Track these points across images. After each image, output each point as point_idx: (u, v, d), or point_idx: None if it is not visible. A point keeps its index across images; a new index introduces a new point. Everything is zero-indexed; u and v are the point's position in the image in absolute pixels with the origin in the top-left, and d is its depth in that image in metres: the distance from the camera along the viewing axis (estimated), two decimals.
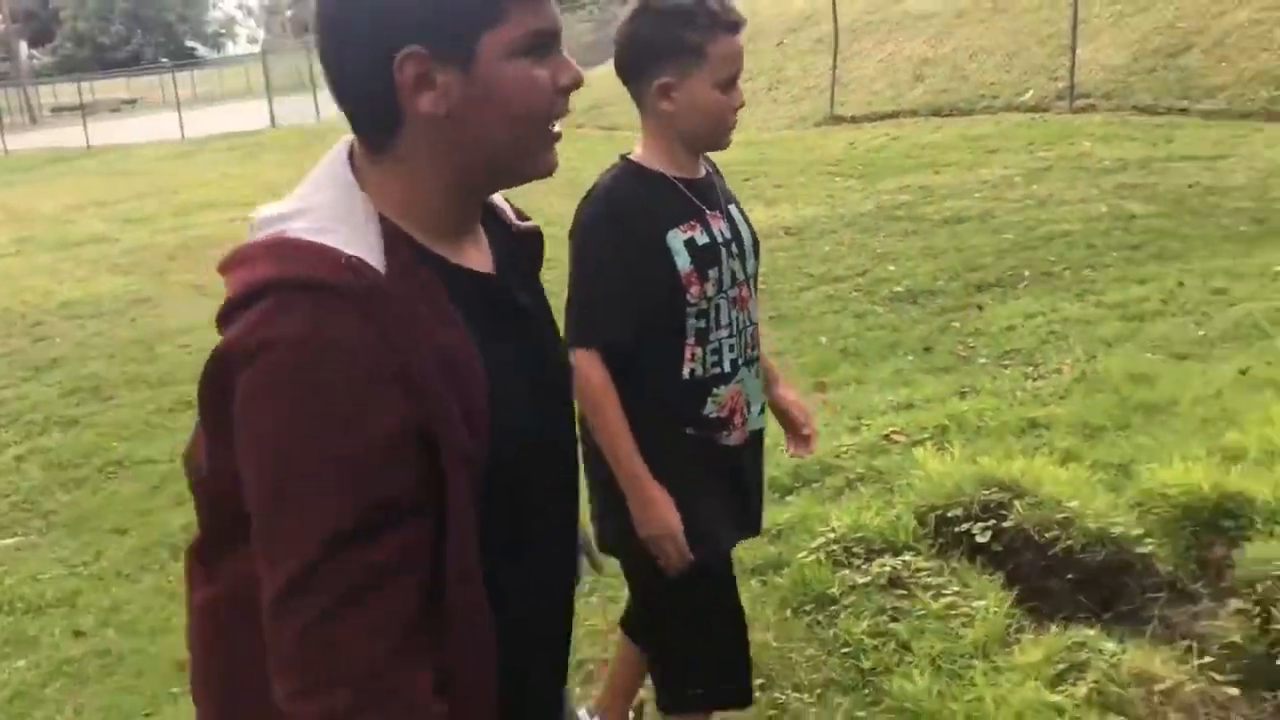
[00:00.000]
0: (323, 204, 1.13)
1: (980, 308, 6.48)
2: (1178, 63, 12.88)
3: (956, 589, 3.12)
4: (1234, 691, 2.62)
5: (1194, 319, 5.61)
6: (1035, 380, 5.05)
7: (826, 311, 6.85)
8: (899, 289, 7.10)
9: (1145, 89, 12.67)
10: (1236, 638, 2.83)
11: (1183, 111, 11.91)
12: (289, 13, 78.29)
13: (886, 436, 4.46)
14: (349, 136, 1.19)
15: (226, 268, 1.14)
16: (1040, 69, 14.25)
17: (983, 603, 2.99)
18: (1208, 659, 2.73)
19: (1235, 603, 2.95)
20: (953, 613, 2.99)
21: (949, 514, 3.44)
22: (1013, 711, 2.49)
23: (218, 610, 1.20)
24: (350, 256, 1.07)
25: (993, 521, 3.36)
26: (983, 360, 5.54)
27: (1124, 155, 10.20)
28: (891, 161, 11.91)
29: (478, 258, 1.22)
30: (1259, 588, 2.91)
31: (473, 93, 1.10)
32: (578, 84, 1.16)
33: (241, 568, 1.11)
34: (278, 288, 1.06)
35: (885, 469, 4.11)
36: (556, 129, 1.18)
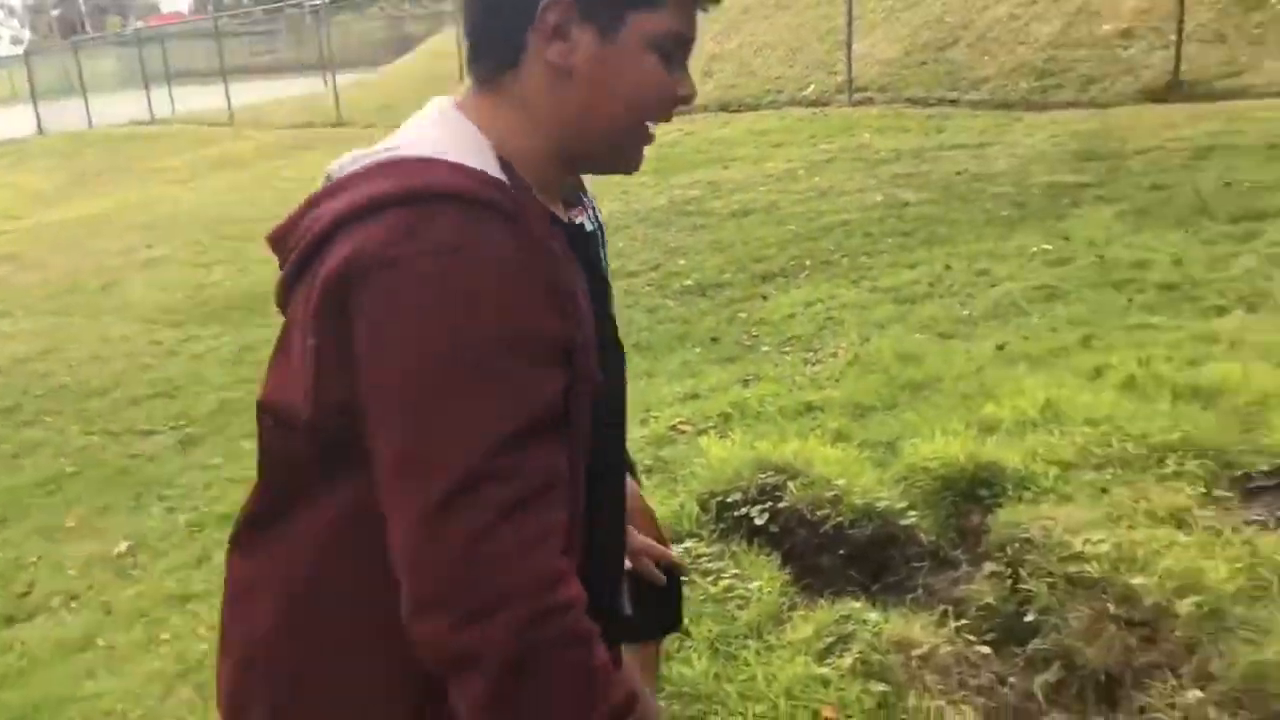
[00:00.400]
0: (438, 136, 1.11)
1: (765, 297, 6.68)
2: (946, 56, 13.58)
3: (735, 572, 3.21)
4: (986, 650, 2.79)
5: (959, 300, 5.93)
6: (813, 365, 5.24)
7: (621, 307, 6.91)
8: (689, 282, 7.25)
9: (917, 82, 13.31)
10: (990, 599, 3.00)
11: (952, 103, 12.57)
12: (55, 12, 73.62)
13: (674, 427, 4.54)
14: (441, 99, 1.19)
15: (320, 200, 1.12)
16: (820, 64, 14.78)
17: (758, 583, 3.08)
18: (964, 621, 2.90)
19: (989, 566, 3.14)
20: (730, 595, 3.07)
21: (729, 499, 3.53)
22: (782, 687, 2.57)
23: (292, 585, 1.12)
24: (491, 175, 1.06)
25: (769, 504, 3.46)
26: (765, 348, 5.71)
27: (899, 146, 10.69)
28: (684, 157, 12.13)
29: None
30: (1009, 550, 3.10)
31: (601, 61, 1.10)
32: (690, 100, 1.18)
33: (319, 530, 1.10)
34: (414, 199, 1.02)
35: (671, 459, 4.18)
36: (653, 130, 1.17)
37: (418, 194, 1.01)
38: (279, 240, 1.17)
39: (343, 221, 1.04)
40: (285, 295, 1.13)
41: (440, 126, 1.12)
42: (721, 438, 4.17)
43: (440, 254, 0.99)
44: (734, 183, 10.21)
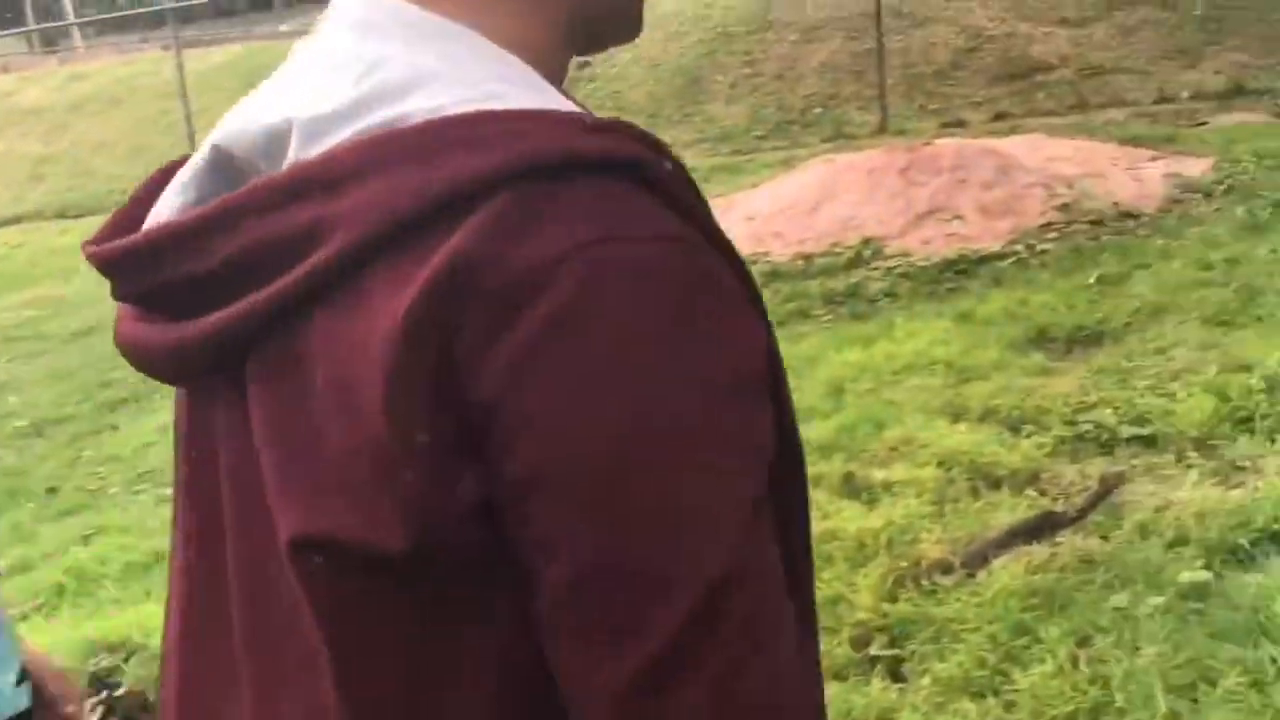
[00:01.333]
0: (453, 65, 0.66)
1: (115, 428, 5.98)
2: None
3: None
4: None
5: None
6: (168, 504, 4.72)
7: None
8: (22, 423, 6.30)
9: None
10: None
11: None
12: None
13: None
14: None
15: (289, 195, 0.62)
16: (162, 159, 13.95)
17: None
18: None
19: None
20: None
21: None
22: None
23: None
24: (593, 117, 0.65)
25: (105, 694, 2.96)
26: (114, 490, 5.08)
27: None
28: (16, 273, 10.75)
29: None
30: None
31: None
32: None
33: None
34: (558, 170, 0.60)
35: None
36: None
37: (576, 160, 0.61)
38: (164, 258, 0.66)
39: (428, 214, 0.60)
40: (246, 350, 0.65)
41: (434, 47, 0.68)
42: (49, 619, 3.55)
43: (650, 251, 0.60)
44: (78, 298, 9.18)
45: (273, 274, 0.62)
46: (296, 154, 0.64)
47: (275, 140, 0.65)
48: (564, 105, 0.68)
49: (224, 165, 0.68)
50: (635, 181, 0.62)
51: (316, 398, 0.62)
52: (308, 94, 0.66)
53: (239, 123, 0.67)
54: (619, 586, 0.60)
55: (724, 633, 0.60)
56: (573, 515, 0.59)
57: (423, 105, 0.63)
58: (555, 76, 0.75)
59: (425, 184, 0.60)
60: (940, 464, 3.72)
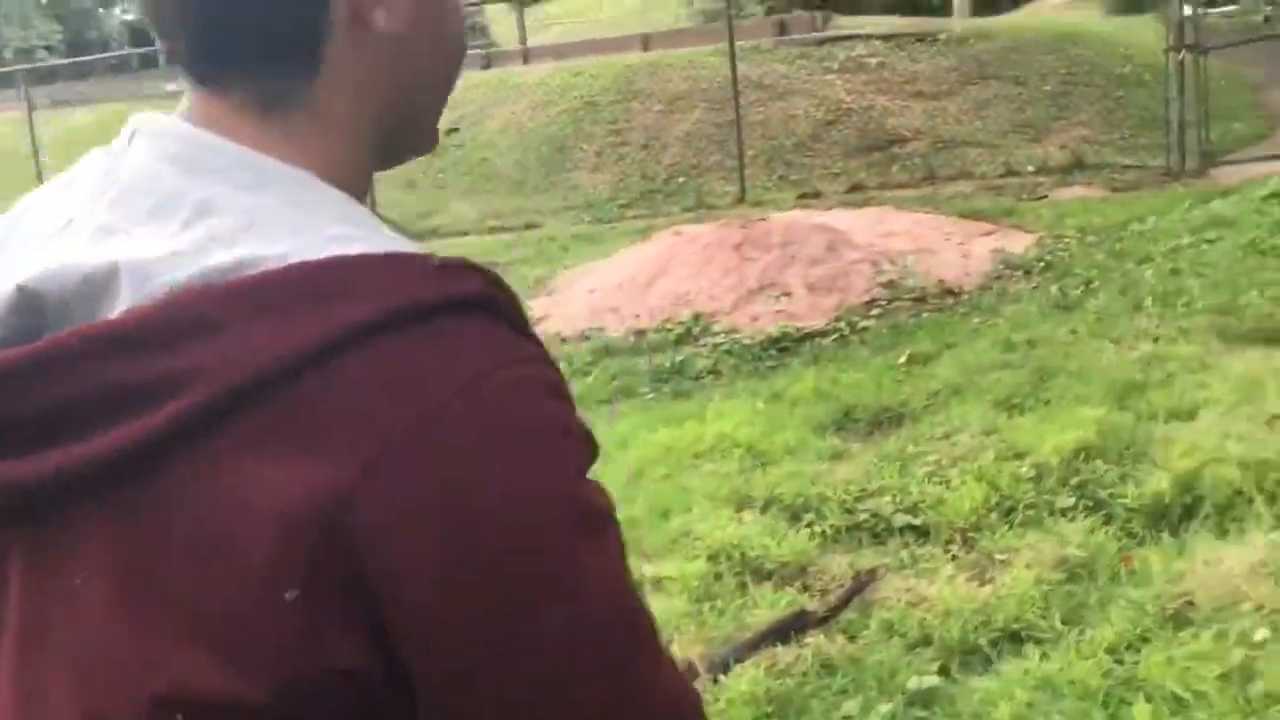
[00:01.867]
0: (294, 209, 0.65)
1: None
2: None
3: None
4: None
5: None
6: None
7: None
8: None
9: None
10: None
11: None
12: None
13: None
14: (145, 127, 0.69)
15: (89, 359, 0.59)
16: None
17: None
18: None
19: None
20: None
21: None
22: None
23: None
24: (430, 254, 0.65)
25: None
26: None
27: None
28: None
29: None
30: None
31: (423, 8, 0.74)
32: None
33: None
34: (418, 314, 0.60)
35: None
36: None
37: (430, 306, 0.62)
38: None
39: (276, 376, 0.59)
40: (66, 500, 0.62)
41: (265, 188, 0.67)
42: None
43: (525, 373, 0.63)
44: None
45: (116, 423, 0.59)
46: (130, 301, 0.61)
47: (98, 285, 0.62)
48: (407, 246, 0.67)
49: (31, 308, 0.63)
50: (488, 315, 0.64)
51: (176, 549, 0.60)
52: (132, 235, 0.64)
53: (47, 262, 0.64)
54: None
55: None
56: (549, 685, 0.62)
57: (265, 252, 0.62)
58: (363, 194, 0.77)
59: (286, 337, 0.59)
60: (711, 558, 3.64)
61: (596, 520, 0.63)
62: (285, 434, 0.58)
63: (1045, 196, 9.57)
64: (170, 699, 0.61)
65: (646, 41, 16.39)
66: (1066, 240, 7.34)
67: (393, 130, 0.78)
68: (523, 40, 22.63)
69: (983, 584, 3.24)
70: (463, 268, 0.65)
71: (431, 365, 0.60)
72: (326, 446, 0.58)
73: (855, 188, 11.09)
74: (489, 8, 24.20)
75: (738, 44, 12.51)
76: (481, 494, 0.59)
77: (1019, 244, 7.40)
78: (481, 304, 0.64)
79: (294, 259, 0.61)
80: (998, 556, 3.37)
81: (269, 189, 0.67)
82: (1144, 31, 14.00)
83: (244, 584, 0.59)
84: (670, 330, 6.67)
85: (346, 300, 0.60)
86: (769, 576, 3.52)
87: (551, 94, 13.89)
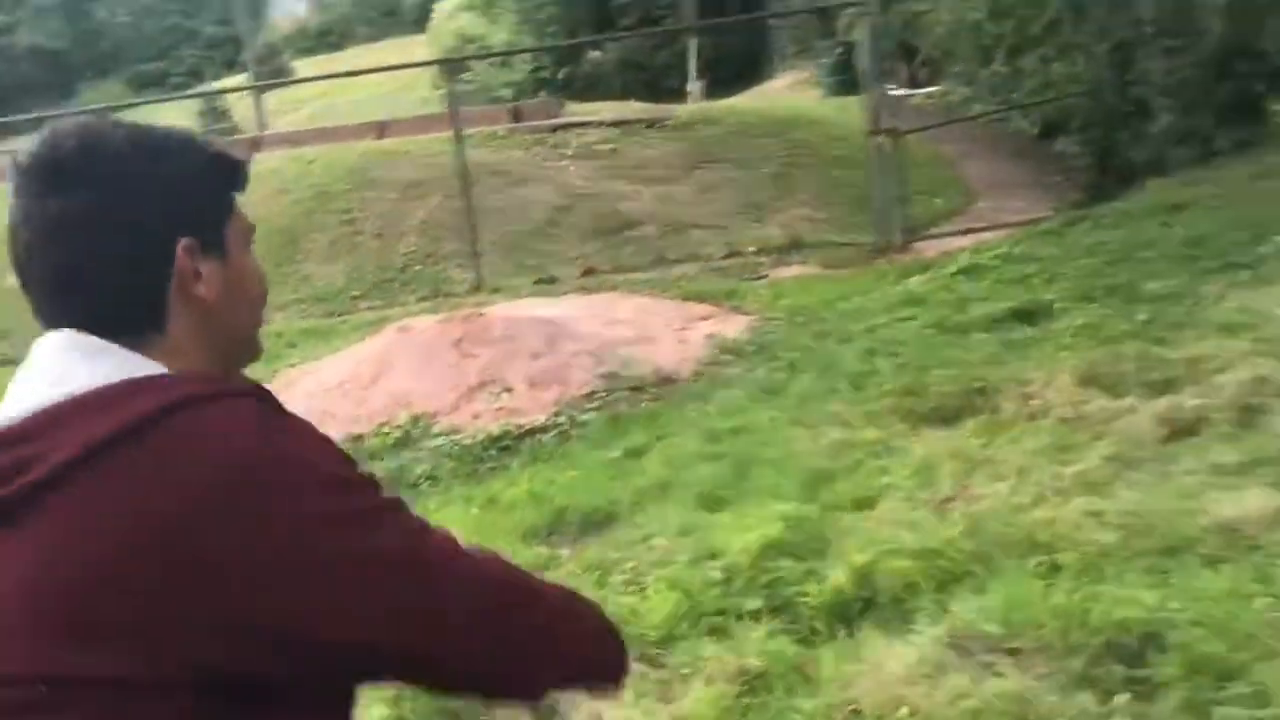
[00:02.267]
0: (113, 366, 1.08)
1: None
2: None
3: None
4: None
5: None
6: None
7: None
8: None
9: None
10: None
11: None
12: None
13: None
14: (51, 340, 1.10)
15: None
16: None
17: None
18: None
19: None
20: None
21: None
22: None
23: None
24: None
25: None
26: None
27: None
28: None
29: None
30: None
31: (228, 279, 1.16)
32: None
33: None
34: (203, 400, 1.03)
35: None
36: None
37: (197, 397, 1.03)
38: None
39: (108, 445, 0.98)
40: None
41: (109, 360, 1.07)
42: None
43: (296, 443, 1.06)
44: None
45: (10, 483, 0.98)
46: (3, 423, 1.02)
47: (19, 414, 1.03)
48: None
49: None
50: (257, 399, 1.06)
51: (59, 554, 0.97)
52: (17, 392, 1.05)
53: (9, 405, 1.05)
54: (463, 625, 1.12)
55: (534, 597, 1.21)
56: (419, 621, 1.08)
57: (87, 383, 1.02)
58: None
59: (110, 421, 0.99)
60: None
61: (357, 481, 1.06)
62: (124, 476, 0.97)
63: (765, 276, 9.94)
64: (53, 677, 0.94)
65: (383, 129, 16.21)
66: (777, 322, 7.60)
67: (224, 350, 1.17)
68: (261, 126, 22.01)
69: (668, 703, 3.20)
70: (230, 378, 1.12)
71: (208, 430, 1.00)
72: (164, 479, 0.97)
73: (589, 271, 11.21)
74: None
75: (474, 130, 12.51)
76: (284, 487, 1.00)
77: (735, 327, 7.61)
78: (251, 394, 1.07)
79: (108, 381, 1.02)
80: (682, 671, 3.35)
81: (110, 360, 1.06)
82: (857, 112, 14.91)
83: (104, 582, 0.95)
84: (389, 434, 6.46)
85: (149, 396, 1.01)
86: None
87: (285, 183, 13.47)
